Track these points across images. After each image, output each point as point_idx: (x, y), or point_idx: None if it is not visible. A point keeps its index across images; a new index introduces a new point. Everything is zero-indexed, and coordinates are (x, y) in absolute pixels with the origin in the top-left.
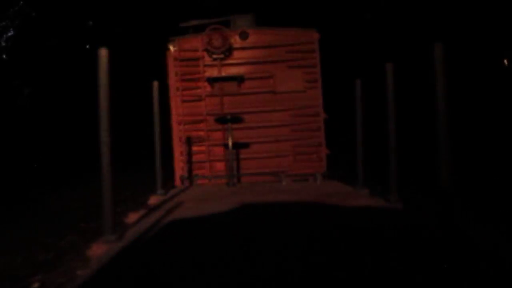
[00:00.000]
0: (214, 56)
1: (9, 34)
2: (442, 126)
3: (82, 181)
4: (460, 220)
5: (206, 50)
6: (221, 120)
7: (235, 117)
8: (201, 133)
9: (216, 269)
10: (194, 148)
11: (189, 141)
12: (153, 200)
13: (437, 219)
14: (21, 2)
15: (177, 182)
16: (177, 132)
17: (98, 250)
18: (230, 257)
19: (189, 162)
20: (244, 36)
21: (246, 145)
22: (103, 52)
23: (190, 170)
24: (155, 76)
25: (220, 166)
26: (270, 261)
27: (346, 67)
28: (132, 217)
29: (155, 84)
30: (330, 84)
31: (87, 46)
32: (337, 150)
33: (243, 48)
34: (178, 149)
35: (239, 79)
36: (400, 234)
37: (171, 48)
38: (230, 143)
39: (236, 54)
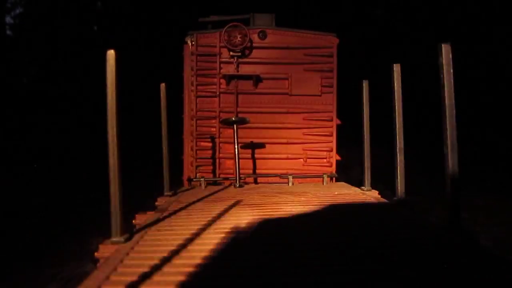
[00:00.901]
0: (232, 53)
1: (18, 11)
2: (449, 127)
3: None
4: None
5: (224, 46)
6: (226, 122)
7: (240, 119)
8: (213, 129)
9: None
10: (205, 144)
11: (200, 137)
12: (160, 201)
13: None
14: None
15: (185, 183)
16: (189, 127)
17: (105, 251)
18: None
19: (199, 158)
20: (263, 35)
21: (256, 146)
22: (111, 55)
23: (199, 167)
24: (171, 71)
25: (230, 163)
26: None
27: (357, 70)
28: (140, 219)
29: (163, 86)
30: (342, 87)
31: (95, 28)
32: (345, 152)
33: (261, 48)
34: (189, 144)
35: (255, 78)
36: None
37: (189, 42)
38: (236, 145)
39: (253, 53)
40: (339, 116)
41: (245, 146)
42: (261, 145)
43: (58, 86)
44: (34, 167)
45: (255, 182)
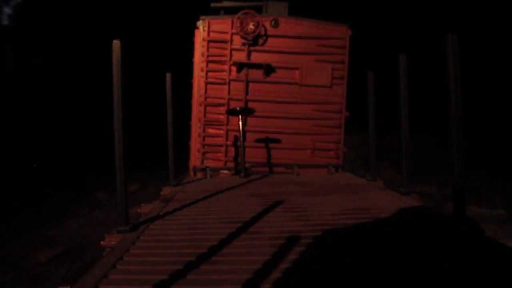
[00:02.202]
0: (244, 41)
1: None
2: (455, 121)
3: None
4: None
5: (236, 34)
6: (232, 112)
7: (246, 109)
8: (221, 116)
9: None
10: (213, 131)
11: (208, 123)
12: (165, 191)
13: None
14: None
15: (190, 172)
16: (197, 113)
17: (112, 240)
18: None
19: (206, 145)
20: (275, 23)
21: (264, 135)
22: (117, 45)
23: (206, 153)
24: (182, 56)
25: (235, 152)
26: None
27: (365, 61)
28: (145, 208)
29: (168, 76)
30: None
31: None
32: (352, 143)
33: (273, 36)
34: (196, 130)
35: (266, 67)
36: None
37: (200, 27)
38: (241, 135)
39: (265, 41)
40: (352, 108)
41: (252, 135)
42: (269, 135)
43: (60, 78)
44: (34, 166)
45: (261, 172)
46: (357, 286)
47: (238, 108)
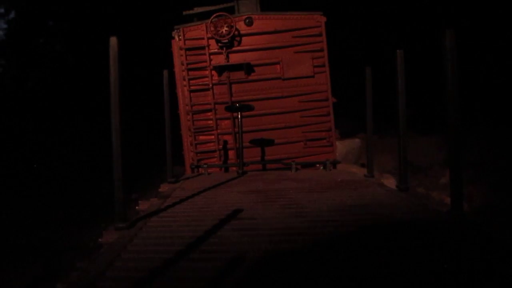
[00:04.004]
0: (220, 44)
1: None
2: (453, 120)
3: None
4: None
5: (212, 38)
6: (231, 108)
7: (245, 105)
8: (210, 122)
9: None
10: (204, 138)
11: (198, 131)
12: (163, 188)
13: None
14: None
15: (188, 171)
16: (186, 122)
17: (109, 237)
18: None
19: (199, 152)
20: (249, 22)
21: (255, 133)
22: (114, 41)
23: (200, 160)
24: (161, 67)
25: (230, 154)
26: None
27: (351, 48)
28: (143, 205)
29: (165, 72)
30: (337, 67)
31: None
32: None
33: (249, 35)
34: (187, 139)
35: (246, 66)
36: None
37: (176, 37)
38: (239, 131)
39: (242, 40)
40: (336, 95)
41: (244, 134)
42: (260, 132)
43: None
44: (34, 166)
45: (258, 169)
46: (355, 281)
47: (237, 105)
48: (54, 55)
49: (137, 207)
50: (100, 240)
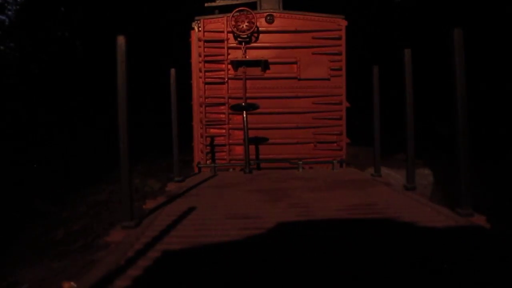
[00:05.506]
0: (239, 39)
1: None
2: (461, 125)
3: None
4: None
5: (231, 32)
6: (236, 107)
7: (250, 104)
8: (222, 116)
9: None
10: (214, 131)
11: (209, 124)
12: (170, 187)
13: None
14: None
15: (195, 169)
16: (198, 114)
17: (116, 236)
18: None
19: (209, 145)
20: (270, 19)
21: (266, 131)
22: (121, 40)
23: (209, 154)
24: (178, 58)
25: (239, 149)
26: None
27: (364, 53)
28: (150, 204)
29: (173, 71)
30: (351, 71)
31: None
32: (355, 137)
33: (268, 32)
34: (198, 131)
35: (263, 63)
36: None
37: (195, 28)
38: (245, 130)
39: (261, 37)
40: (348, 98)
41: (254, 132)
42: (271, 131)
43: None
44: (34, 166)
45: (265, 168)
46: (361, 280)
47: (243, 104)
48: (63, 41)
49: (144, 206)
50: (107, 238)
